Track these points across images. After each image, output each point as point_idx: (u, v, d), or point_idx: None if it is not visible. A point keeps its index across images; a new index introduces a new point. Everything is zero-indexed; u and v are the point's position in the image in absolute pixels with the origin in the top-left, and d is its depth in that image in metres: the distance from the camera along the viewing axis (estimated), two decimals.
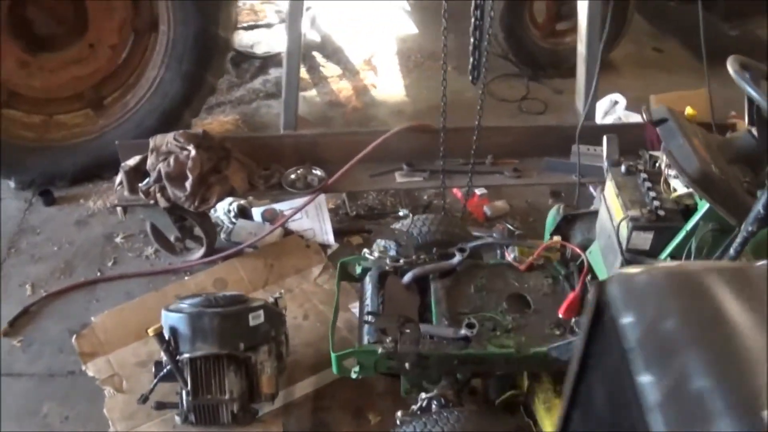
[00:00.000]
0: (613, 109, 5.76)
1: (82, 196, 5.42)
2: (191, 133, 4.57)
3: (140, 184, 4.56)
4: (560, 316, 3.61)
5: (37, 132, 5.41)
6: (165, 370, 3.87)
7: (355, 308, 4.51)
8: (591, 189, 5.15)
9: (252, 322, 3.89)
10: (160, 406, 3.98)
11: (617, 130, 4.50)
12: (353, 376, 3.64)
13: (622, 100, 5.77)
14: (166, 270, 4.81)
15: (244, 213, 4.97)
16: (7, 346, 4.51)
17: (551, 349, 3.35)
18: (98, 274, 4.84)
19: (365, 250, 4.22)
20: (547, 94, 6.64)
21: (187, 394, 3.80)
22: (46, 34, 5.35)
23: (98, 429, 4.07)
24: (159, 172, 4.50)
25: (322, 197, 4.87)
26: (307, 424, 4.07)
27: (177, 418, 3.92)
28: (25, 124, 5.44)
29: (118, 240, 5.06)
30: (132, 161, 4.58)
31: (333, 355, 3.63)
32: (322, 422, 4.13)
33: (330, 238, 4.90)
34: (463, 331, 3.59)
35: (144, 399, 3.92)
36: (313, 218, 4.90)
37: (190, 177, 4.45)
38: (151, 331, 3.74)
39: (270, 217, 4.92)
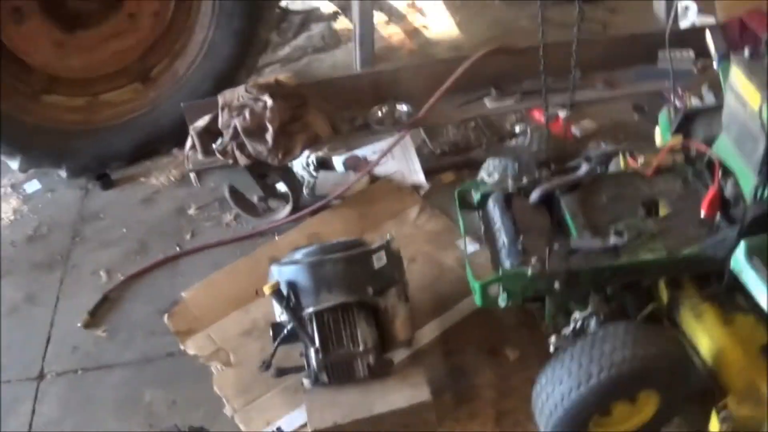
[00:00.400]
0: (685, 14, 5.28)
1: (141, 175, 4.89)
2: (264, 83, 4.06)
3: (214, 145, 4.00)
4: (702, 215, 3.23)
5: (83, 114, 4.91)
6: (286, 331, 3.34)
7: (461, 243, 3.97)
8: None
9: (376, 265, 3.38)
10: (281, 372, 3.45)
11: (697, 33, 4.18)
12: (501, 304, 3.18)
13: (693, 6, 5.29)
14: (252, 234, 4.27)
15: (324, 165, 4.42)
16: (91, 338, 4.02)
17: (705, 247, 3.08)
18: (177, 249, 4.29)
19: (481, 174, 3.69)
20: (601, 15, 6.13)
21: (316, 352, 3.30)
22: (79, 11, 4.82)
23: (213, 410, 3.60)
24: (234, 128, 3.98)
25: (407, 137, 4.32)
26: (441, 371, 3.57)
27: (306, 381, 3.39)
28: (70, 108, 4.95)
29: (191, 212, 4.51)
30: (202, 122, 4.07)
31: (477, 285, 3.19)
32: (457, 366, 3.63)
33: (421, 177, 4.40)
34: (613, 240, 3.18)
35: (266, 365, 3.41)
36: (399, 160, 4.39)
37: (271, 128, 3.94)
38: (267, 289, 3.26)
39: (353, 165, 4.40)
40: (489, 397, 3.54)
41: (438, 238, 4.09)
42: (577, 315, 3.19)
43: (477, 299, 3.24)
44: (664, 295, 3.26)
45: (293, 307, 3.29)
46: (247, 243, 4.28)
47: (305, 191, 4.38)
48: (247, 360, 3.73)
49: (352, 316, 3.30)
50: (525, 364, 3.63)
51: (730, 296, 3.20)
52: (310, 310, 3.28)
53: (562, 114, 4.77)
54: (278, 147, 4.00)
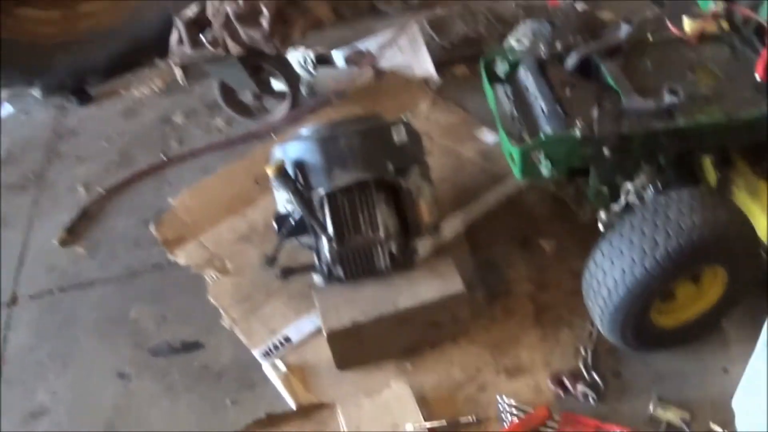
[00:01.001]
0: None
1: (122, 88, 4.26)
2: None
3: (203, 35, 3.33)
4: (757, 78, 2.76)
5: (59, 27, 4.30)
6: (293, 221, 2.73)
7: (482, 134, 3.34)
8: None
9: (396, 139, 2.82)
10: (288, 272, 2.80)
11: None
12: (545, 173, 2.62)
13: None
14: (245, 136, 3.62)
15: (323, 61, 3.74)
16: (69, 256, 3.44)
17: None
18: (163, 158, 3.61)
19: (509, 41, 3.05)
20: None
21: (330, 241, 2.71)
22: None
23: (207, 323, 3.00)
24: (226, 15, 3.35)
25: (414, 28, 3.66)
26: (469, 265, 2.97)
27: (317, 279, 2.79)
28: (45, 20, 4.34)
29: (177, 120, 3.92)
30: (190, 11, 3.39)
31: (517, 151, 2.62)
32: (488, 260, 3.04)
33: (431, 69, 3.79)
34: (668, 100, 2.64)
35: (271, 260, 2.73)
36: (407, 52, 3.80)
37: (266, 12, 3.28)
38: (270, 170, 2.68)
39: (356, 60, 3.76)
40: (525, 292, 2.96)
41: (454, 131, 3.50)
42: (629, 186, 2.65)
43: (516, 170, 2.67)
44: (711, 175, 2.73)
45: (301, 190, 2.66)
46: (241, 147, 3.68)
47: (303, 90, 3.71)
48: (246, 267, 3.12)
49: (371, 196, 2.72)
50: (562, 255, 3.07)
51: None
52: (322, 191, 2.69)
53: (579, 6, 4.11)
54: (275, 33, 3.37)
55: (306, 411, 2.68)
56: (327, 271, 2.76)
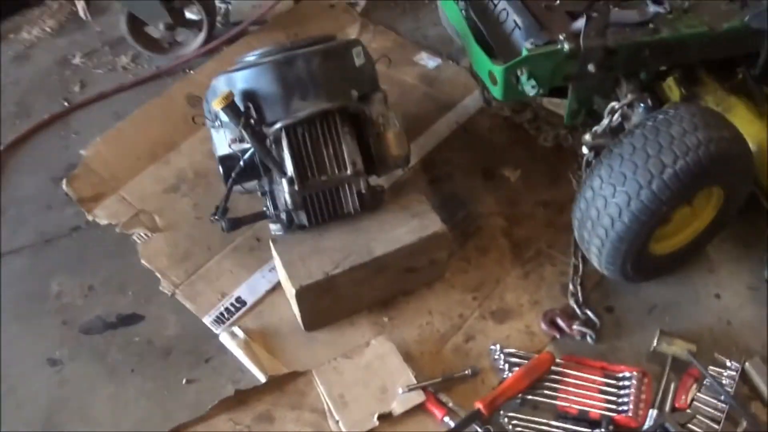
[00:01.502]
0: None
1: (9, 32, 3.54)
2: None
3: None
4: None
5: None
6: (242, 163, 2.25)
7: (422, 59, 2.91)
8: None
9: (357, 62, 2.37)
10: (235, 224, 2.30)
11: None
12: (530, 92, 2.27)
13: None
14: (157, 74, 3.05)
15: None
16: None
17: (750, 19, 2.37)
18: (65, 104, 2.97)
19: None
20: None
21: (290, 182, 2.27)
22: None
23: (144, 291, 2.53)
24: None
25: None
26: (432, 201, 2.52)
27: (274, 228, 2.35)
28: None
29: (77, 61, 3.31)
30: None
31: (499, 70, 2.26)
32: (451, 195, 2.66)
33: None
34: (652, 8, 2.38)
35: (222, 211, 2.32)
36: None
37: None
38: (217, 103, 2.18)
39: None
40: (498, 227, 2.61)
41: (391, 56, 2.98)
42: (615, 105, 2.32)
43: (497, 91, 2.27)
44: (674, 94, 2.43)
45: (254, 126, 2.13)
46: (153, 86, 3.12)
47: (219, 21, 3.15)
48: (179, 221, 2.66)
49: (335, 129, 2.30)
50: (529, 184, 2.75)
51: (757, 87, 2.49)
52: (279, 125, 2.21)
53: None
54: None
55: (279, 382, 2.25)
56: (287, 218, 2.30)
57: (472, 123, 2.88)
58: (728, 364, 2.24)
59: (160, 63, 3.18)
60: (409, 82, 3.00)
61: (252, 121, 2.24)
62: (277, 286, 2.47)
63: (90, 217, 2.69)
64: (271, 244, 2.35)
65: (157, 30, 3.13)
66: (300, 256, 2.30)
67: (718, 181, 2.23)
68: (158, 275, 2.51)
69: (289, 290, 2.29)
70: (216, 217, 2.39)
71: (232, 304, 2.45)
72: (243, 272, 2.51)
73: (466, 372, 2.27)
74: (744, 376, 2.23)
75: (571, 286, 2.43)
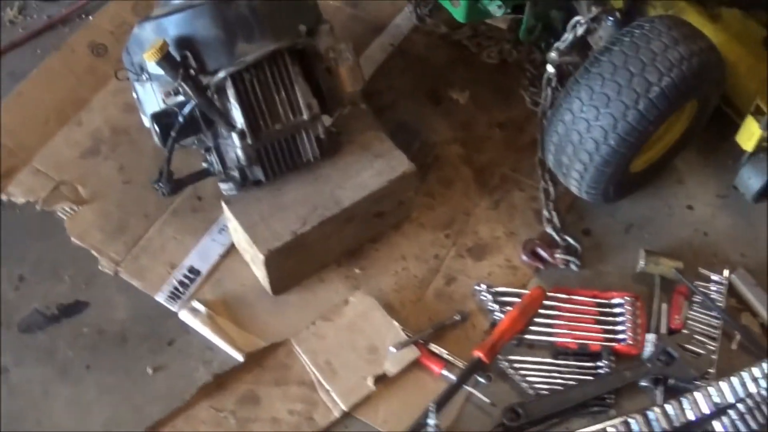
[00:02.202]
0: None
1: None
2: None
3: None
4: None
5: None
6: (182, 115, 1.90)
7: None
8: None
9: None
10: (177, 186, 1.95)
11: None
12: (496, 11, 2.04)
13: None
14: (51, 24, 2.56)
15: None
16: None
17: None
18: None
19: None
20: None
21: (242, 136, 1.94)
22: None
23: (82, 274, 2.17)
24: None
25: None
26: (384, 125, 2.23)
27: (224, 187, 1.96)
28: None
29: None
30: None
31: None
32: (400, 124, 2.41)
33: None
34: None
35: (167, 176, 1.93)
36: None
37: None
38: (149, 55, 1.82)
39: None
40: (456, 155, 2.37)
41: None
42: (580, 19, 2.08)
43: (458, 12, 1.97)
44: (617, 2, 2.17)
45: (195, 76, 1.79)
46: (49, 38, 2.64)
47: None
48: (106, 188, 2.30)
49: (286, 70, 1.97)
50: (480, 105, 2.50)
51: None
52: (223, 74, 1.87)
53: None
54: None
55: (257, 358, 1.97)
56: (240, 175, 1.98)
57: (408, 44, 2.58)
58: (714, 277, 2.11)
59: (52, 11, 2.69)
60: (332, 4, 2.66)
61: (192, 71, 1.88)
62: (231, 249, 2.17)
63: (4, 197, 2.26)
64: (224, 206, 2.03)
65: None
66: (261, 216, 2.00)
67: (697, 94, 2.05)
68: (94, 253, 2.16)
69: (253, 255, 1.99)
70: (159, 183, 2.03)
71: (185, 276, 2.13)
72: (189, 238, 2.18)
73: (456, 318, 2.06)
74: (731, 288, 2.09)
75: (545, 212, 2.23)
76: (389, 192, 2.06)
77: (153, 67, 1.93)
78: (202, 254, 2.16)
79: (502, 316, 2.05)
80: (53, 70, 2.50)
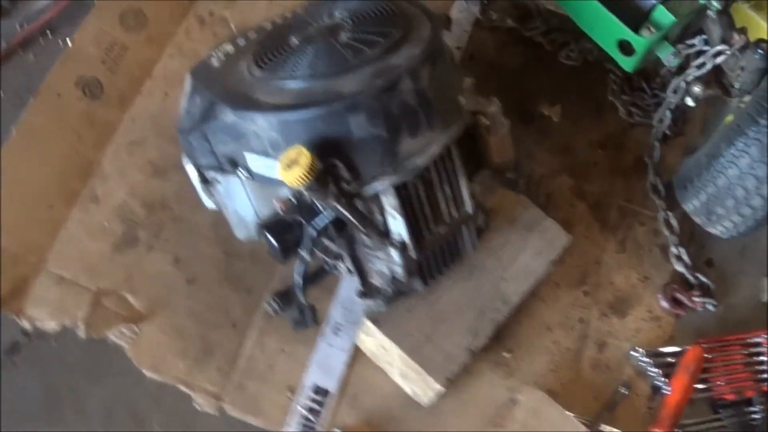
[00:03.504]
0: None
1: None
2: None
3: None
4: None
5: None
6: (316, 227, 1.40)
7: None
8: None
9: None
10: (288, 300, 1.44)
11: None
12: (672, 63, 1.80)
13: None
14: (11, 50, 1.77)
15: None
16: None
17: None
18: None
19: None
20: None
21: (402, 250, 1.45)
22: None
23: (172, 417, 1.69)
24: None
25: None
26: None
27: (371, 304, 1.57)
28: None
29: None
30: None
31: (644, 41, 1.69)
32: None
33: None
34: None
35: (309, 314, 1.41)
36: None
37: None
38: (294, 179, 1.29)
39: None
40: (567, 188, 2.02)
41: None
42: (723, 48, 1.71)
43: (628, 62, 1.75)
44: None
45: (348, 192, 1.35)
46: (12, 74, 1.79)
47: None
48: (166, 294, 1.77)
49: (451, 162, 1.49)
50: (574, 120, 2.09)
51: None
52: (385, 184, 1.38)
53: None
54: None
55: None
56: (393, 290, 1.50)
57: (476, 45, 2.10)
58: None
59: (4, 33, 1.86)
60: None
61: (345, 186, 1.34)
62: (356, 353, 1.70)
63: (26, 324, 1.60)
64: (369, 326, 1.56)
65: None
66: (423, 334, 1.58)
67: None
68: (183, 389, 1.60)
69: (418, 380, 1.57)
70: (275, 300, 1.51)
71: (312, 399, 1.68)
72: (300, 348, 1.70)
73: (623, 391, 1.80)
74: None
75: (673, 249, 1.96)
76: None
77: (258, 165, 1.36)
78: (324, 367, 1.69)
79: (663, 380, 1.82)
80: (38, 128, 1.77)
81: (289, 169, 1.27)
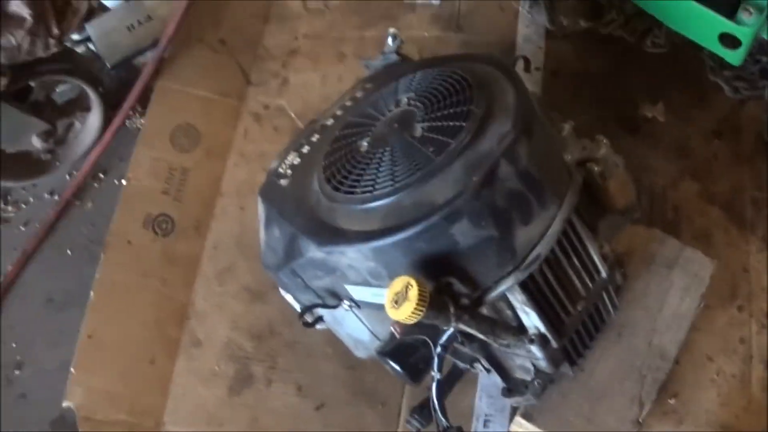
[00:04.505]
0: None
1: None
2: None
3: None
4: None
5: None
6: (442, 345, 1.16)
7: None
8: None
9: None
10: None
11: None
12: None
13: None
14: (64, 208, 1.62)
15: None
16: None
17: None
18: None
19: None
20: None
21: (542, 344, 1.22)
22: None
23: None
24: None
25: None
26: None
27: (521, 400, 1.35)
28: None
29: None
30: None
31: (748, 31, 1.41)
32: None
33: None
34: None
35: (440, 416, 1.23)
36: None
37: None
38: (407, 316, 1.05)
39: None
40: (693, 193, 1.76)
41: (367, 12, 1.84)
42: None
43: (734, 56, 1.49)
44: None
45: (469, 307, 1.15)
46: (69, 226, 1.63)
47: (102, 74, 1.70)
48: (302, 425, 1.56)
49: (574, 231, 1.26)
50: (681, 114, 1.82)
51: None
52: (508, 284, 1.18)
53: None
54: (44, 16, 1.27)
55: None
56: (541, 384, 1.26)
57: (555, 60, 1.86)
58: None
59: (54, 186, 1.70)
60: (427, 36, 1.82)
61: (465, 302, 1.11)
62: None
63: None
64: (525, 424, 1.33)
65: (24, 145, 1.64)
66: (583, 416, 1.36)
67: None
68: None
69: None
70: (415, 416, 1.31)
71: None
72: None
73: None
74: None
75: None
76: None
77: (363, 294, 1.16)
78: None
79: None
80: (117, 283, 1.63)
81: (398, 306, 1.08)
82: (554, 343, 1.25)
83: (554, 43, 1.85)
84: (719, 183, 1.75)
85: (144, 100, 1.78)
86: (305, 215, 1.25)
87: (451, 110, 1.20)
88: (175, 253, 1.64)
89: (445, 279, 1.14)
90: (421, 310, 1.07)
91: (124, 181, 1.68)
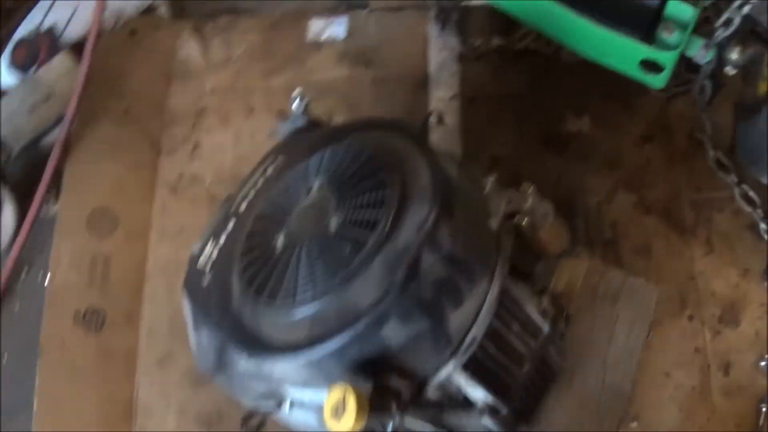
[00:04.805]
0: None
1: None
2: None
3: None
4: None
5: None
6: None
7: (319, 30, 1.74)
8: None
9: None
10: None
11: None
12: (706, 59, 1.38)
13: None
14: None
15: None
16: None
17: None
18: None
19: None
20: None
21: (492, 414, 1.18)
22: None
23: None
24: None
25: None
26: None
27: None
28: None
29: None
30: None
31: (671, 56, 1.36)
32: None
33: None
34: None
35: None
36: None
37: None
38: (351, 425, 1.00)
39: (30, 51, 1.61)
40: (631, 206, 1.69)
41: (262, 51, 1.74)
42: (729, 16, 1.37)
43: (658, 80, 1.45)
44: None
45: (412, 401, 1.12)
46: (9, 328, 1.56)
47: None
48: None
49: (510, 298, 1.22)
50: (607, 122, 1.76)
51: None
52: (449, 369, 1.15)
53: None
54: None
55: None
56: None
57: (471, 85, 1.77)
58: None
59: None
60: (335, 75, 1.74)
61: (406, 397, 1.08)
62: None
63: None
64: None
65: None
66: None
67: None
68: None
69: None
70: None
71: None
72: None
73: (764, 408, 1.53)
74: None
75: (762, 224, 1.66)
76: None
77: (304, 394, 1.12)
78: None
79: None
80: (57, 389, 1.56)
81: (339, 419, 1.03)
82: (504, 410, 1.21)
83: (470, 66, 1.77)
84: (655, 190, 1.71)
85: (56, 182, 1.68)
86: (231, 321, 1.18)
87: (365, 197, 1.14)
88: (111, 347, 1.56)
89: (383, 378, 1.09)
90: (362, 420, 1.03)
91: (48, 276, 1.59)
